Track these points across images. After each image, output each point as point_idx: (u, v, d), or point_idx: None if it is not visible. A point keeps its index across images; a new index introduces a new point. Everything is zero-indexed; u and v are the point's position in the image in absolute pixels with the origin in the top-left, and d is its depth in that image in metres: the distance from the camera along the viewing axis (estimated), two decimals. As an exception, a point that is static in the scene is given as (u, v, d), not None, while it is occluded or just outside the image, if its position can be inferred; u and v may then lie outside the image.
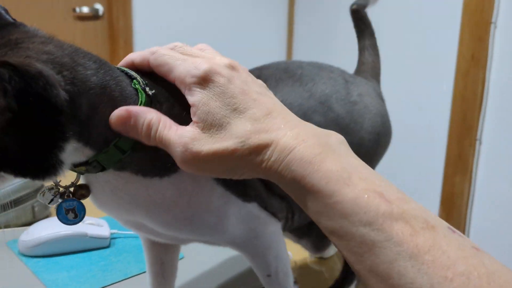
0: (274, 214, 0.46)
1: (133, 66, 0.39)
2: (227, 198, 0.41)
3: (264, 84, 0.39)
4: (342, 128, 0.51)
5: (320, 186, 0.31)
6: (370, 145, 0.55)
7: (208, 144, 0.33)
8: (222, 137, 0.33)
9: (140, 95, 0.37)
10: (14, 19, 0.39)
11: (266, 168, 0.33)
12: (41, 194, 0.41)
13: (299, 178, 0.32)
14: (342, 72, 0.58)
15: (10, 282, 0.65)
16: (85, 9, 2.32)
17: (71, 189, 0.41)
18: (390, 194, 0.30)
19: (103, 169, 0.38)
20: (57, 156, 0.34)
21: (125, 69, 0.39)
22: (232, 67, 0.37)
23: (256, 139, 0.33)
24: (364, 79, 0.62)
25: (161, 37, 2.45)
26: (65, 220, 0.41)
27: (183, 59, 0.36)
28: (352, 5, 0.68)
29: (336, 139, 0.35)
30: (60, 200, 0.41)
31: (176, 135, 0.34)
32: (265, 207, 0.45)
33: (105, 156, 0.37)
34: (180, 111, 0.37)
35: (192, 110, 0.35)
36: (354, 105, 0.54)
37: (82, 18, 2.35)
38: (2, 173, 0.35)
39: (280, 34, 2.81)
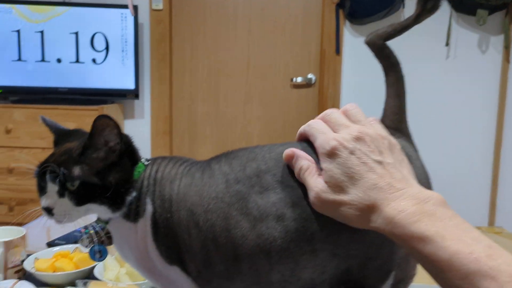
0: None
1: (302, 137, 0.51)
2: (157, 253, 0.53)
3: (397, 150, 0.47)
4: None
5: (419, 248, 0.39)
6: None
7: (331, 196, 0.44)
8: (340, 195, 0.44)
9: (140, 164, 0.56)
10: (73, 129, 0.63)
11: (373, 227, 0.43)
12: (81, 241, 0.64)
13: (400, 241, 0.41)
14: None
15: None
16: (300, 79, 2.69)
17: (101, 238, 0.63)
18: (479, 252, 0.37)
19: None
20: (126, 199, 0.55)
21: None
22: (357, 139, 0.45)
23: (363, 204, 0.43)
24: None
25: (365, 103, 2.59)
26: (93, 258, 0.64)
27: (322, 133, 0.47)
28: (366, 37, 0.59)
29: (434, 202, 0.41)
30: (92, 245, 0.64)
31: (314, 182, 0.46)
32: (187, 272, 0.53)
33: None
34: None
35: (322, 173, 0.46)
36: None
37: (297, 86, 2.72)
38: (91, 204, 0.54)
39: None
